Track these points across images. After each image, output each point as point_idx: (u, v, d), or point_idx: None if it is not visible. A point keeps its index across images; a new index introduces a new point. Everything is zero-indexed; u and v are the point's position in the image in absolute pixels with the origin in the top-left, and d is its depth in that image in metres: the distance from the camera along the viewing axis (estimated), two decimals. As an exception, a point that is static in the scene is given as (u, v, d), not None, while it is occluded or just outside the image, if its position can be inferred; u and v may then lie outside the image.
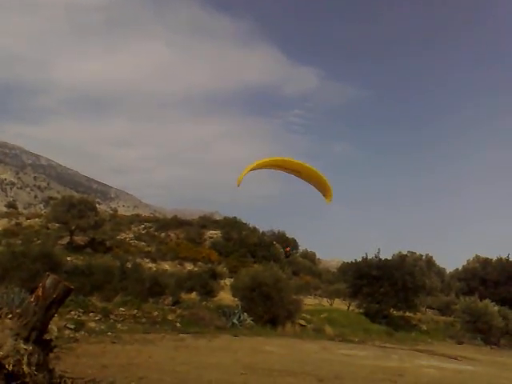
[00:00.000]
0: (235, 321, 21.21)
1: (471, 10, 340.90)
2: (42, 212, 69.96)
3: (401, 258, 38.16)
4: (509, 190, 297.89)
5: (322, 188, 16.68)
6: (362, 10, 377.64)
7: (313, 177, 16.60)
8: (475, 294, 33.48)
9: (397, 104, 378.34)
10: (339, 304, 36.31)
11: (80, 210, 40.81)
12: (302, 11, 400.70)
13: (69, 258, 29.16)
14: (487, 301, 31.42)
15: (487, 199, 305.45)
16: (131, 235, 50.53)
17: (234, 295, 26.67)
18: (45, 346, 6.71)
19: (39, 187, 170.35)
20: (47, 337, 6.98)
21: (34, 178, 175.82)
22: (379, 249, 36.60)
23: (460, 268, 48.72)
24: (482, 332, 30.33)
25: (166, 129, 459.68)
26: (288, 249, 56.87)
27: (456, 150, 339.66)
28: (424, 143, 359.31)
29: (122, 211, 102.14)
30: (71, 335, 14.73)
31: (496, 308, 31.19)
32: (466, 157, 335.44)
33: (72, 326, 15.93)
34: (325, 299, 37.41)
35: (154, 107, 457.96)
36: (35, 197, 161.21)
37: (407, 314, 35.45)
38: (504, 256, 43.55)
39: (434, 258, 52.45)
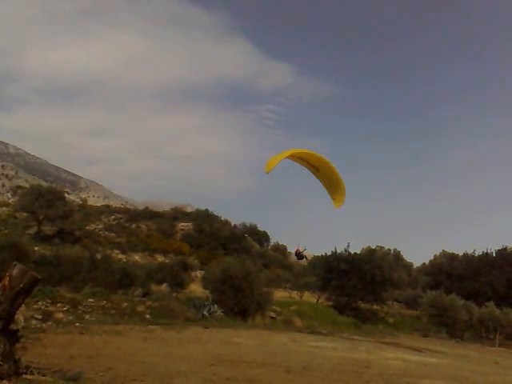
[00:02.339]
0: (205, 312, 21.26)
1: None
2: (10, 201, 68.38)
3: (369, 253, 38.63)
4: (475, 188, 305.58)
5: (335, 191, 15.73)
6: (336, 5, 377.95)
7: (330, 177, 15.58)
8: (441, 288, 34.18)
9: (368, 101, 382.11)
10: (309, 297, 36.70)
11: (48, 199, 40.09)
12: (276, 5, 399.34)
13: (36, 248, 28.66)
14: (453, 295, 32.13)
15: (455, 196, 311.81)
16: (101, 226, 49.85)
17: (204, 287, 26.67)
18: (11, 336, 6.63)
19: (7, 176, 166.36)
20: (13, 327, 6.89)
21: (2, 166, 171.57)
22: (348, 243, 37.15)
23: (427, 263, 49.84)
24: (447, 325, 31.05)
25: (140, 120, 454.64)
26: (299, 248, 55.27)
27: (426, 148, 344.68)
28: (395, 140, 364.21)
29: (92, 202, 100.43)
30: (38, 325, 14.58)
31: (461, 302, 31.93)
32: (437, 155, 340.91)
33: (39, 317, 15.76)
34: (295, 292, 37.71)
35: (127, 98, 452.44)
36: (3, 185, 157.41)
37: (375, 306, 36.10)
38: (470, 252, 44.87)
39: (401, 253, 53.45)
